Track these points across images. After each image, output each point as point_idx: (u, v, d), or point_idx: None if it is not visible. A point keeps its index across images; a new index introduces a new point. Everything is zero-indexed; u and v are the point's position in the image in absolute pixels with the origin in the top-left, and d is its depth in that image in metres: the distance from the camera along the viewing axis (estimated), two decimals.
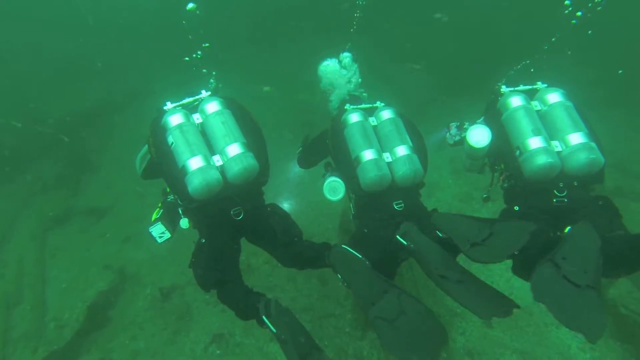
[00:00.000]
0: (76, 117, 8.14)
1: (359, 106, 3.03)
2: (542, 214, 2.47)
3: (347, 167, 2.76)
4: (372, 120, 2.92)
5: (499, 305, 1.94)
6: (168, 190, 2.92)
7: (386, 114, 2.88)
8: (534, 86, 2.84)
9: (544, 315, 3.57)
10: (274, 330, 2.12)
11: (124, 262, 5.16)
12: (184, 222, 2.68)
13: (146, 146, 2.64)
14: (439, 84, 8.00)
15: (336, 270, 2.38)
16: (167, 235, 2.70)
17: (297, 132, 7.39)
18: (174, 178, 2.41)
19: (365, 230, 2.71)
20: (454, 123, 3.52)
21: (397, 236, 2.35)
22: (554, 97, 2.61)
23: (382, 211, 2.68)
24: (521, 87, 2.86)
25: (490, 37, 7.74)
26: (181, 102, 2.67)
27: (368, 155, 2.65)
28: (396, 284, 2.22)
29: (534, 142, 2.44)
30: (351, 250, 2.38)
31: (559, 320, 1.72)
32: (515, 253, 2.36)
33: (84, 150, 7.83)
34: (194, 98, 2.71)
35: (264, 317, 2.17)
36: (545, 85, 2.82)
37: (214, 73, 3.23)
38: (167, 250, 5.23)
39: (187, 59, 3.84)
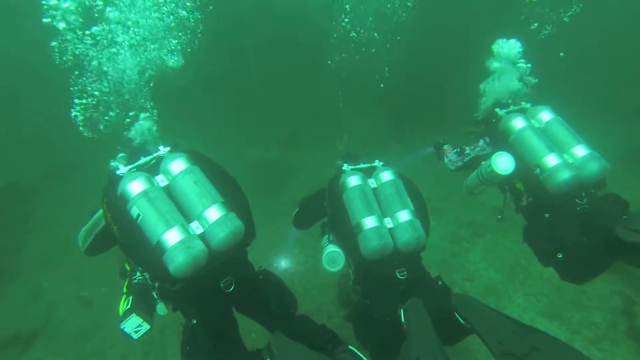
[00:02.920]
0: None
1: (357, 166, 2.99)
2: (572, 221, 2.66)
3: (347, 233, 2.69)
4: (371, 182, 2.87)
5: None
6: (128, 267, 2.61)
7: (386, 175, 2.84)
8: (522, 106, 3.01)
9: (588, 342, 3.49)
10: None
11: None
12: (161, 308, 2.36)
13: (97, 214, 2.36)
14: (394, 122, 8.19)
15: None
16: (145, 327, 2.31)
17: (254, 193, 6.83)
18: (148, 258, 2.08)
19: (368, 302, 2.65)
20: (447, 146, 3.53)
21: (402, 310, 2.33)
22: (546, 114, 2.84)
23: (385, 280, 2.64)
24: (512, 108, 3.01)
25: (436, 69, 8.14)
26: (137, 163, 2.35)
27: (369, 222, 2.58)
28: None
29: (552, 160, 2.61)
30: (363, 356, 2.24)
31: None
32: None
33: None
34: (151, 157, 2.39)
35: None
36: (530, 104, 3.00)
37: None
38: None
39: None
